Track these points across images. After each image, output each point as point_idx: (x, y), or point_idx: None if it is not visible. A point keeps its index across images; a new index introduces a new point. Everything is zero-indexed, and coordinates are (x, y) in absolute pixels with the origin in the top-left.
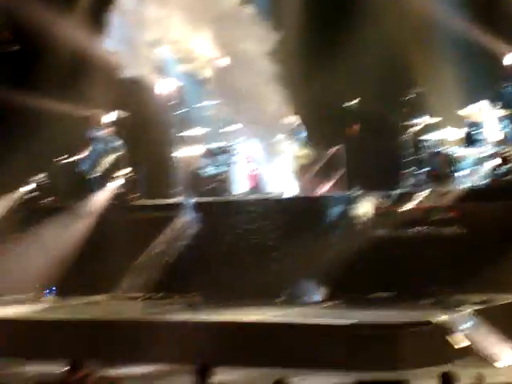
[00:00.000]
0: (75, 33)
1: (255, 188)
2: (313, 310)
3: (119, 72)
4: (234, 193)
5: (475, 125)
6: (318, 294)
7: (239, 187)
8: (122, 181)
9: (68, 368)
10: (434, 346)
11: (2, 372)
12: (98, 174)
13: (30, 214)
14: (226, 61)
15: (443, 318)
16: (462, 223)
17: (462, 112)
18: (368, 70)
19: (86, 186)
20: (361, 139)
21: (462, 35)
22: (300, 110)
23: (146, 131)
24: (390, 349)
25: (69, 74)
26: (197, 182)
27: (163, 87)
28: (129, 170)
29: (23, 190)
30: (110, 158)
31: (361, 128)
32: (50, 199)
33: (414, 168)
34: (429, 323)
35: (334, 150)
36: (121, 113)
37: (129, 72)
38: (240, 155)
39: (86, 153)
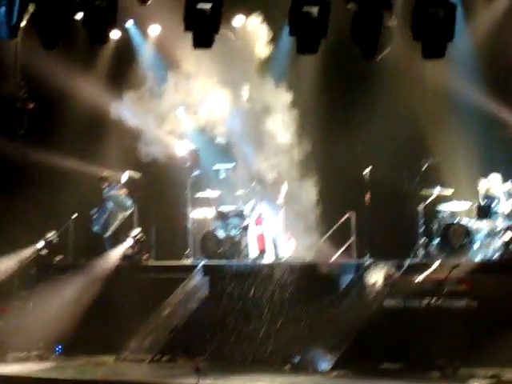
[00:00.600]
0: (93, 91)
1: (263, 251)
2: (321, 379)
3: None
4: (245, 256)
5: (488, 197)
6: (327, 362)
7: (250, 250)
8: (132, 241)
9: None
10: None
11: None
12: (110, 234)
13: (41, 272)
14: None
15: None
16: (472, 296)
17: (475, 185)
18: (383, 139)
19: (97, 244)
20: (372, 207)
21: (478, 106)
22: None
23: (161, 192)
24: None
25: (85, 132)
26: (209, 244)
27: (179, 149)
28: (139, 230)
29: (35, 246)
30: (122, 218)
31: (373, 196)
32: (60, 257)
33: (425, 238)
34: None
35: (345, 216)
36: (135, 173)
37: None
38: (251, 218)
39: (98, 211)
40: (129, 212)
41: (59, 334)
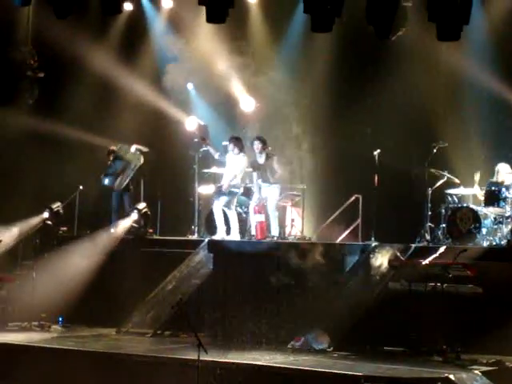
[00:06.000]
0: (104, 62)
1: (263, 239)
2: (322, 359)
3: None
4: (249, 235)
5: (496, 185)
6: (328, 343)
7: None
8: (138, 215)
9: None
10: None
11: None
12: (121, 190)
13: (45, 242)
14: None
15: (453, 376)
16: (478, 282)
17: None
18: (393, 121)
19: (102, 216)
20: (380, 190)
21: (490, 93)
22: (324, 156)
23: (168, 167)
24: None
25: (94, 104)
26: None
27: (188, 124)
28: (145, 204)
29: (40, 216)
30: (133, 170)
31: (380, 179)
32: (65, 228)
33: (432, 223)
34: (444, 379)
35: (352, 198)
36: (143, 147)
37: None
38: (251, 204)
39: (107, 169)
40: (138, 163)
41: (61, 305)
